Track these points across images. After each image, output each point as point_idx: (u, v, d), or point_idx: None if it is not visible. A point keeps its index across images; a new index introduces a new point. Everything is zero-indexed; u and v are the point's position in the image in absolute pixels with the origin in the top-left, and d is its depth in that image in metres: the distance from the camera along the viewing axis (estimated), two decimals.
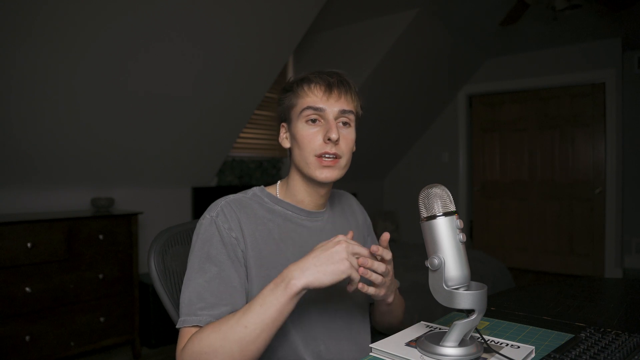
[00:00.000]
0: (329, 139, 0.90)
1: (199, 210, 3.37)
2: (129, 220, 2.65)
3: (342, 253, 0.77)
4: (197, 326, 0.81)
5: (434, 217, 0.79)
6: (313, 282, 0.75)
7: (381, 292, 0.86)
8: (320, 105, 0.91)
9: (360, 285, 0.81)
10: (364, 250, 0.80)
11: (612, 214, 4.44)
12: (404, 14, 3.59)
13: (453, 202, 0.80)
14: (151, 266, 0.98)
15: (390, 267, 0.86)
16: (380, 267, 0.81)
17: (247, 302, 0.89)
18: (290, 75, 4.27)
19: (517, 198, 5.04)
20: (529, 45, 4.56)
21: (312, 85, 0.93)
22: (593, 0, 3.21)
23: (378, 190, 5.68)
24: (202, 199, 3.42)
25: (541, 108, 4.86)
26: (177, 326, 0.84)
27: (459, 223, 0.79)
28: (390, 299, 0.92)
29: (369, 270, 0.80)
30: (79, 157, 2.65)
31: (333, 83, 0.92)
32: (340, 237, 0.80)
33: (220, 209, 0.91)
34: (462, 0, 3.43)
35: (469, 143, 5.31)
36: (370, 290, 0.83)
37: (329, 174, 0.92)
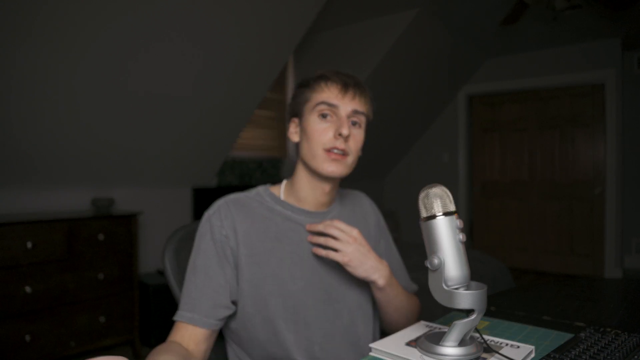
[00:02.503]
0: (339, 134, 0.91)
1: (199, 210, 3.37)
2: (129, 220, 2.65)
3: None
4: (181, 322, 0.87)
5: (433, 217, 0.79)
6: None
7: (342, 258, 0.91)
8: (334, 102, 0.93)
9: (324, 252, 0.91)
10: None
11: (612, 214, 4.44)
12: (404, 14, 3.59)
13: (453, 202, 0.80)
14: (165, 261, 1.03)
15: (348, 236, 0.92)
16: (318, 227, 0.92)
17: (233, 300, 0.92)
18: (290, 75, 4.27)
19: (517, 198, 5.04)
20: (529, 45, 4.56)
21: (329, 82, 0.95)
22: (593, 0, 3.21)
23: (378, 190, 5.68)
24: (202, 199, 3.42)
25: (541, 108, 4.86)
26: (173, 318, 0.90)
27: (459, 223, 0.79)
28: (380, 282, 0.93)
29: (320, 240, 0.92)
30: (79, 157, 2.65)
31: (349, 83, 0.95)
32: None
33: (217, 207, 0.94)
34: (462, 0, 3.44)
35: (469, 143, 5.31)
36: (333, 255, 0.91)
37: (335, 168, 0.93)
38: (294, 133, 1.00)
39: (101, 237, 2.51)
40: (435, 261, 0.78)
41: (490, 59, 5.03)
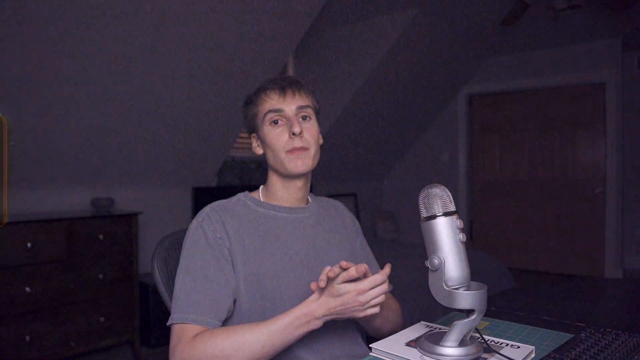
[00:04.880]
0: (293, 134, 0.98)
1: (199, 210, 3.36)
2: (129, 220, 2.65)
3: (359, 312, 0.83)
4: (184, 323, 0.87)
5: (434, 217, 0.79)
6: (327, 313, 0.84)
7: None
8: (278, 106, 1.01)
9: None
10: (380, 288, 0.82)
11: (612, 214, 4.44)
12: (404, 14, 3.59)
13: (453, 202, 0.81)
14: (154, 269, 1.05)
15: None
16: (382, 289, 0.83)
17: (233, 300, 0.93)
18: (290, 75, 4.27)
19: (517, 198, 5.04)
20: (529, 45, 4.56)
21: (268, 92, 1.03)
22: (593, 0, 3.21)
23: (378, 190, 5.68)
24: (202, 199, 3.41)
25: (541, 108, 4.86)
26: (167, 323, 0.90)
27: (459, 223, 0.79)
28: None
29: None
30: (79, 157, 2.65)
31: (285, 85, 1.02)
32: (361, 288, 0.80)
33: (206, 214, 1.00)
34: (462, 0, 3.43)
35: (469, 143, 5.31)
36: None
37: (300, 164, 0.99)
38: (257, 147, 1.08)
39: (101, 237, 2.51)
40: (436, 261, 0.78)
41: (491, 59, 5.03)
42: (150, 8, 2.22)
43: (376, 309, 0.83)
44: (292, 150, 0.99)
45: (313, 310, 0.83)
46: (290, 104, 1.00)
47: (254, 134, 1.08)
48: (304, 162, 1.00)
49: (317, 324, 0.84)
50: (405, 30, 3.64)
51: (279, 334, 0.83)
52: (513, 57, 4.89)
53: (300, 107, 1.01)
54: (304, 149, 0.99)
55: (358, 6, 3.53)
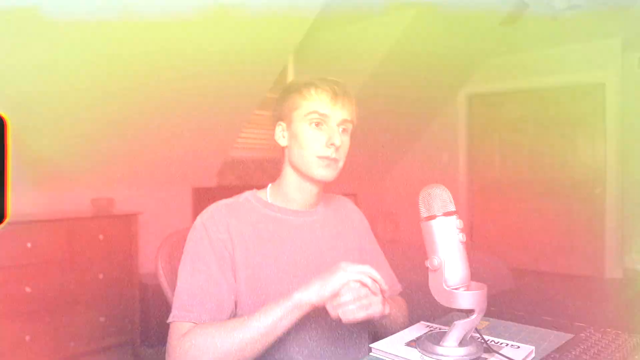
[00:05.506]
0: (331, 144, 0.95)
1: (199, 210, 3.34)
2: (129, 220, 2.65)
3: (339, 272, 0.83)
4: (184, 322, 0.86)
5: (434, 217, 0.79)
6: (313, 295, 0.82)
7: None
8: (325, 111, 0.97)
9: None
10: (365, 269, 0.84)
11: (612, 214, 4.44)
12: (404, 14, 3.59)
13: (453, 202, 0.81)
14: (158, 266, 1.06)
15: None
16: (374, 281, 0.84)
17: (234, 301, 0.93)
18: (290, 75, 4.27)
19: (517, 198, 5.04)
20: (529, 45, 4.56)
21: (319, 91, 0.98)
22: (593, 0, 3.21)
23: (378, 190, 5.67)
24: (202, 199, 3.41)
25: (541, 108, 4.86)
26: (168, 320, 0.89)
27: (459, 223, 0.79)
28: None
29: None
30: (79, 157, 2.65)
31: (338, 92, 0.98)
32: (343, 264, 0.84)
33: (210, 213, 0.98)
34: (462, 0, 3.43)
35: (469, 143, 5.31)
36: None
37: (327, 174, 0.98)
38: (281, 138, 1.04)
39: (101, 237, 2.51)
40: (436, 261, 0.78)
41: (490, 59, 5.03)
42: (152, 9, 2.22)
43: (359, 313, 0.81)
44: (323, 158, 0.97)
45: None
46: (337, 113, 0.97)
47: (281, 122, 1.03)
48: (331, 173, 0.98)
49: (298, 297, 0.82)
50: (405, 31, 3.64)
51: (262, 315, 0.82)
52: (513, 57, 4.88)
53: (344, 120, 0.99)
54: (335, 160, 0.98)
55: (358, 7, 3.53)
